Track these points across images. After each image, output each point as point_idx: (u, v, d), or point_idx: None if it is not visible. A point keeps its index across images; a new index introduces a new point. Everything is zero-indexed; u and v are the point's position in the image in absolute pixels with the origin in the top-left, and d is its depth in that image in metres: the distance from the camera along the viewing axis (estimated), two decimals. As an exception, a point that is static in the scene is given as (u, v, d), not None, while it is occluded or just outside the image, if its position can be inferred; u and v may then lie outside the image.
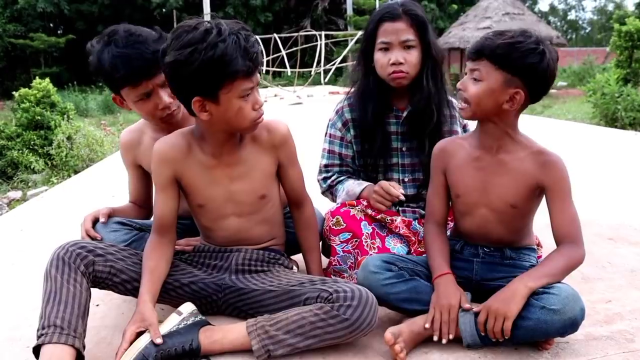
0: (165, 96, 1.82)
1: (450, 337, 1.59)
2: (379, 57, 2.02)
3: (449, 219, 1.94)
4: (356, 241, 1.95)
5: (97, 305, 2.07)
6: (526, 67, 1.56)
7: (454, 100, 2.12)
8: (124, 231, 2.03)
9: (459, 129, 2.15)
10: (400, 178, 2.13)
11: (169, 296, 1.78)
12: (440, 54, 2.06)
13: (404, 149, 2.12)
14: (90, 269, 1.63)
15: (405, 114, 2.09)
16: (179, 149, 1.72)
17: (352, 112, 2.14)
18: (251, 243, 1.84)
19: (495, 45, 1.57)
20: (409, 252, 1.99)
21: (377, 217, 1.99)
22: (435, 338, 1.60)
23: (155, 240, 1.77)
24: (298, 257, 2.06)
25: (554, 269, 1.56)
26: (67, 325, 1.50)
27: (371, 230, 1.97)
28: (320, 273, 1.92)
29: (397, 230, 2.00)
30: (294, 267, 1.91)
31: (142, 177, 2.13)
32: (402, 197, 1.92)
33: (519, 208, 1.68)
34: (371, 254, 1.91)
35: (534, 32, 1.62)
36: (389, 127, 2.11)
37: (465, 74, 1.66)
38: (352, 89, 2.17)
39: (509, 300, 1.52)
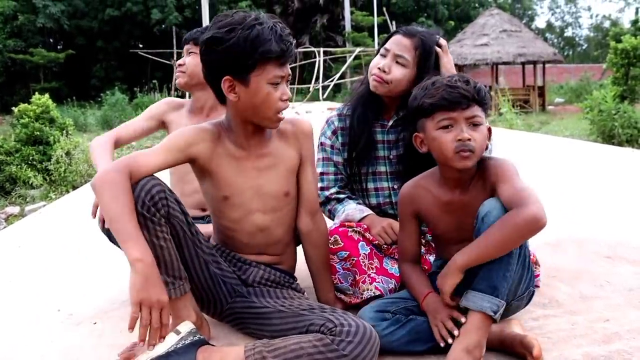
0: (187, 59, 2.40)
1: (455, 333, 1.57)
2: (374, 60, 2.11)
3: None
4: (353, 260, 1.96)
5: (95, 323, 2.06)
6: (488, 105, 1.65)
7: None
8: None
9: None
10: (390, 186, 2.17)
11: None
12: None
13: (391, 157, 2.16)
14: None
15: (390, 123, 2.16)
16: (210, 134, 1.71)
17: (341, 121, 2.21)
18: (271, 251, 1.82)
19: (477, 90, 1.61)
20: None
21: (374, 242, 2.01)
22: (442, 344, 1.60)
23: (125, 177, 1.52)
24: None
25: (485, 240, 1.51)
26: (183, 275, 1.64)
27: (369, 251, 1.98)
28: (333, 294, 1.91)
29: (392, 255, 2.03)
30: (305, 293, 1.88)
31: (149, 132, 2.45)
32: None
33: None
34: (369, 274, 1.93)
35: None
36: (376, 136, 2.17)
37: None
38: (350, 99, 2.26)
39: (444, 276, 1.61)
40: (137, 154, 1.60)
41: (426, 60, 2.07)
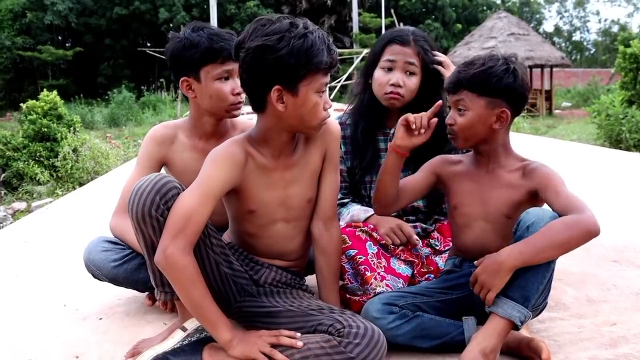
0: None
1: (472, 335, 1.59)
2: (379, 75, 2.06)
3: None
4: (361, 258, 1.95)
5: (100, 319, 2.07)
6: (504, 89, 1.66)
7: None
8: (115, 250, 2.02)
9: None
10: None
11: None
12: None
13: None
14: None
15: (393, 131, 2.11)
16: (241, 156, 1.63)
17: (342, 130, 2.13)
18: (287, 257, 1.79)
19: (470, 75, 1.67)
20: (413, 274, 1.99)
21: (381, 242, 2.00)
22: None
23: (191, 257, 1.53)
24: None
25: (551, 237, 1.49)
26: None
27: (376, 251, 1.98)
28: (338, 305, 1.85)
29: (399, 256, 2.01)
30: (315, 294, 1.86)
31: None
32: (418, 246, 2.03)
33: (513, 219, 1.69)
34: (378, 272, 1.92)
35: (499, 53, 1.72)
36: (378, 144, 2.16)
37: (449, 107, 1.77)
38: (349, 107, 2.24)
39: (494, 274, 1.53)
40: (185, 215, 1.51)
41: (428, 63, 2.07)
